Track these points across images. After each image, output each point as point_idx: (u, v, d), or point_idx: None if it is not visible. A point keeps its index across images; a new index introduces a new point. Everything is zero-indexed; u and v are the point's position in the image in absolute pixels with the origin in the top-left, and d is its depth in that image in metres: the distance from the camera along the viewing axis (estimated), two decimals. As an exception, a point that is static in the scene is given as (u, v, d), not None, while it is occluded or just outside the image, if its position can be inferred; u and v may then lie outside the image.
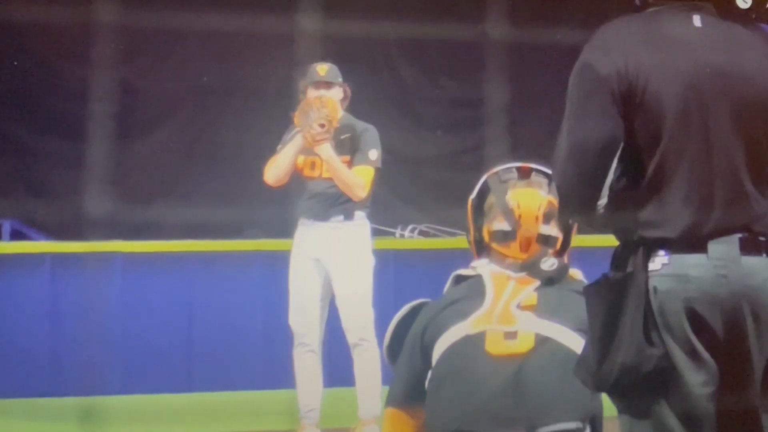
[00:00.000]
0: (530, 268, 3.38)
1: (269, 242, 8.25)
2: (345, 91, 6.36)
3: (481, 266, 3.45)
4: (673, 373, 2.83)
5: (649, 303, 2.83)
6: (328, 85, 6.27)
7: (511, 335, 3.26)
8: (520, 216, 3.45)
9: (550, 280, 3.39)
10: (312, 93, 6.25)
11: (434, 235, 9.08)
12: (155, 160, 10.16)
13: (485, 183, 3.56)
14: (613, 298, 2.84)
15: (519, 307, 3.32)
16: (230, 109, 10.28)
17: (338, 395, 6.57)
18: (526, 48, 9.39)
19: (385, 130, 6.48)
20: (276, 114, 9.68)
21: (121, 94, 9.20)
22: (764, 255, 2.88)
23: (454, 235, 8.93)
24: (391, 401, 3.48)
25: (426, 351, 3.35)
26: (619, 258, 2.92)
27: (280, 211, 6.74)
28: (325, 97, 6.21)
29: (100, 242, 7.88)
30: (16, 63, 9.96)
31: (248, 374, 8.00)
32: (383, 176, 6.56)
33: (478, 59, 9.00)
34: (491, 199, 3.51)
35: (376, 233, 6.94)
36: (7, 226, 9.27)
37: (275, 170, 6.26)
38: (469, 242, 3.59)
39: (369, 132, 6.32)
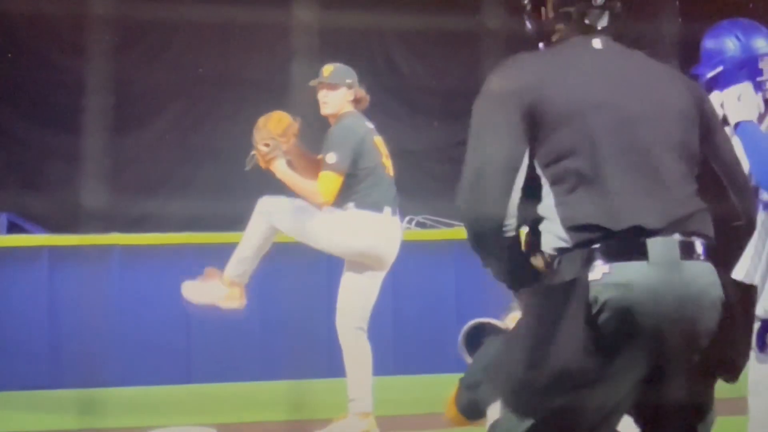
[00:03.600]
0: None
1: (266, 234, 8.24)
2: (356, 93, 6.21)
3: None
4: (605, 379, 2.81)
5: (590, 312, 2.79)
6: (331, 86, 6.18)
7: None
8: None
9: None
10: (318, 94, 6.21)
11: (432, 226, 9.07)
12: (152, 152, 10.15)
13: None
14: (552, 305, 2.82)
15: None
16: (226, 100, 10.27)
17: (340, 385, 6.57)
18: (522, 39, 9.37)
19: (382, 121, 6.46)
20: (272, 105, 9.70)
21: (117, 86, 9.16)
22: (703, 258, 2.88)
23: (451, 226, 8.92)
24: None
25: None
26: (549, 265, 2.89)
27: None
28: (273, 114, 6.13)
29: (98, 235, 7.87)
30: (10, 55, 9.95)
31: (246, 365, 7.99)
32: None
33: (475, 50, 8.98)
34: None
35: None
36: (3, 219, 9.26)
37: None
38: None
39: (334, 132, 6.09)
